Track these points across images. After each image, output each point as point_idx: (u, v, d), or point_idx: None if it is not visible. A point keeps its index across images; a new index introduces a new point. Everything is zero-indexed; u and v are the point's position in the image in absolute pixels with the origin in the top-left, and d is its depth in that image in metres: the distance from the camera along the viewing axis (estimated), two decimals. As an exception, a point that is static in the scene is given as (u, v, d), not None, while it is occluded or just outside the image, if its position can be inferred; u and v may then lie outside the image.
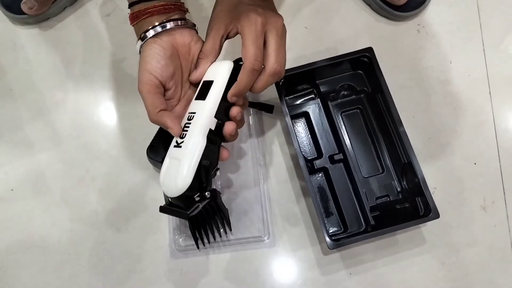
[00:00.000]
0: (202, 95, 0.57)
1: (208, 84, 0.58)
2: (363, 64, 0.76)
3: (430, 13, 0.85)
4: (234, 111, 0.59)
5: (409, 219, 0.68)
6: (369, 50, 0.74)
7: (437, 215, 0.67)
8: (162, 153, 0.72)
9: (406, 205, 0.72)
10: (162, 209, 0.60)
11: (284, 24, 0.58)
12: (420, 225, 0.74)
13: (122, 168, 0.78)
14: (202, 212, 0.70)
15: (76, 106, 0.81)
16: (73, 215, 0.76)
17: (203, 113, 0.57)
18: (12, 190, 0.78)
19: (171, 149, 0.57)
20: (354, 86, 0.78)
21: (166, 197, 0.60)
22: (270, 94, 0.78)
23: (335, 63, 0.74)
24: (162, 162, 0.73)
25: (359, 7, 0.86)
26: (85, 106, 0.82)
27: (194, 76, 0.60)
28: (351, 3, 0.86)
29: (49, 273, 0.74)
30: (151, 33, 0.57)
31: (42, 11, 0.83)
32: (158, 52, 0.57)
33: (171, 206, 0.59)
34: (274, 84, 0.72)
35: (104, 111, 0.82)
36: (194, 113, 0.57)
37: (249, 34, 0.55)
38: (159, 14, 0.57)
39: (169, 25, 0.57)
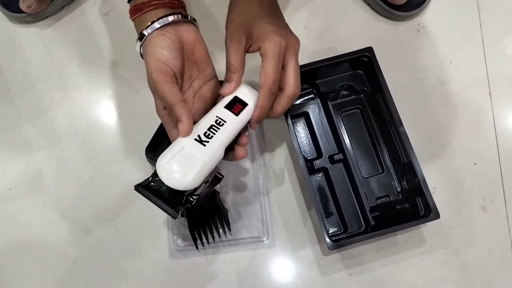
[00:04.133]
0: (233, 109, 0.56)
1: (240, 102, 0.57)
2: (363, 64, 0.75)
3: (430, 13, 0.85)
4: (246, 139, 0.58)
5: (409, 219, 0.68)
6: (369, 50, 0.74)
7: (437, 216, 0.67)
8: (160, 153, 0.72)
9: (406, 205, 0.72)
10: (140, 190, 0.54)
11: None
12: (420, 225, 0.73)
13: (120, 167, 0.77)
14: (201, 212, 0.70)
15: (74, 105, 0.81)
16: (70, 215, 0.76)
17: (234, 127, 0.56)
18: (9, 189, 0.77)
19: (192, 141, 0.52)
20: (354, 86, 0.78)
21: (154, 181, 0.54)
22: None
23: (335, 63, 0.74)
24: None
25: (359, 6, 0.86)
26: (83, 105, 0.81)
27: (229, 89, 0.57)
28: (351, 2, 0.86)
29: (47, 272, 0.73)
30: (156, 25, 0.54)
31: (40, 9, 0.82)
32: (169, 43, 0.54)
33: (152, 191, 0.53)
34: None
35: (102, 110, 0.81)
36: (225, 121, 0.55)
37: (272, 57, 0.54)
38: (164, 7, 0.55)
39: (174, 18, 0.54)
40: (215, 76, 0.59)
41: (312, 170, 0.74)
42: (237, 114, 0.56)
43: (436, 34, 0.84)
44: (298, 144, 0.71)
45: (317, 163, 0.74)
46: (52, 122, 0.80)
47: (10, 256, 0.74)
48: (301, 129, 0.78)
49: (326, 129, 0.77)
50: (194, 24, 0.57)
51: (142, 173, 0.76)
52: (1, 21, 0.85)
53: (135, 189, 0.53)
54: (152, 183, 0.53)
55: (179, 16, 0.54)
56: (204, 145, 0.52)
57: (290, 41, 0.57)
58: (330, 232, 0.72)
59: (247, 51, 0.58)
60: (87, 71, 0.83)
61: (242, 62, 0.57)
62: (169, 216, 0.57)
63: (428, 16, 0.85)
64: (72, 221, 0.75)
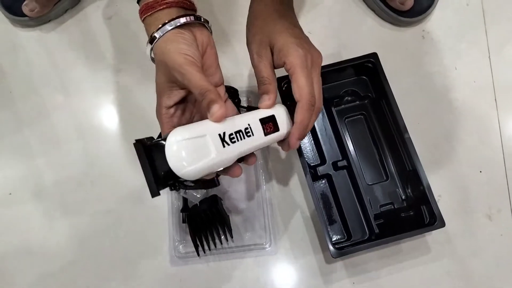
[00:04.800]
0: (265, 126, 0.53)
1: (274, 124, 0.54)
2: (367, 69, 0.75)
3: (435, 19, 0.84)
4: (254, 159, 0.55)
5: (414, 227, 0.67)
6: (374, 55, 0.73)
7: (442, 224, 0.66)
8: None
9: (411, 213, 0.71)
10: (138, 147, 0.48)
11: None
12: (425, 233, 0.72)
13: (122, 172, 0.77)
14: (202, 218, 0.69)
15: (76, 109, 0.81)
16: (71, 220, 0.75)
17: (257, 145, 0.52)
18: (10, 194, 0.77)
19: (215, 135, 0.48)
20: (358, 91, 0.77)
21: (157, 147, 0.48)
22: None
23: (339, 69, 0.74)
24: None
25: (363, 12, 0.85)
26: (85, 109, 0.81)
27: (270, 101, 0.55)
28: (355, 8, 0.85)
29: (47, 278, 0.73)
30: (168, 27, 0.50)
31: (43, 13, 0.82)
32: (190, 42, 0.51)
33: (149, 156, 0.48)
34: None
35: (104, 115, 0.81)
36: (253, 134, 0.51)
37: (302, 70, 0.53)
38: (177, 7, 0.52)
39: (187, 19, 0.51)
40: (222, 83, 0.56)
41: (315, 177, 0.74)
42: (266, 134, 0.53)
43: (440, 40, 0.83)
44: (302, 150, 0.70)
45: (321, 170, 0.74)
46: (53, 127, 0.80)
47: (10, 261, 0.73)
48: (304, 135, 0.77)
49: (330, 135, 0.76)
50: (207, 27, 0.55)
51: (142, 178, 0.75)
52: (4, 25, 0.85)
53: (134, 144, 0.48)
54: (153, 148, 0.48)
55: (192, 17, 0.52)
56: (224, 146, 0.48)
57: (313, 54, 0.55)
58: (333, 239, 0.71)
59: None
60: (90, 75, 0.82)
61: (274, 75, 0.56)
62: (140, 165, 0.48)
63: (433, 22, 0.84)
64: (72, 226, 0.75)
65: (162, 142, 0.47)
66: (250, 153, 0.54)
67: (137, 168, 0.75)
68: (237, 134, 0.50)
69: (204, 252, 0.70)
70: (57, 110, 0.80)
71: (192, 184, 0.53)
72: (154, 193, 0.47)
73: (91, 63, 0.83)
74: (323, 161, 0.75)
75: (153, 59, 0.53)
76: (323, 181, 0.75)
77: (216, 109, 0.47)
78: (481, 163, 0.77)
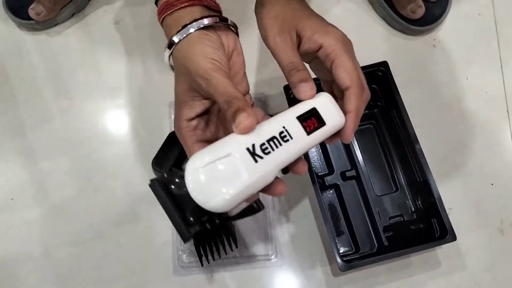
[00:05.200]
0: (306, 123, 0.43)
1: (318, 117, 0.44)
2: (377, 78, 0.74)
3: (447, 28, 0.83)
4: (303, 167, 0.46)
5: (424, 240, 0.65)
6: (384, 64, 0.72)
7: (453, 238, 0.64)
8: (167, 166, 0.70)
9: (421, 226, 0.69)
10: (155, 187, 0.42)
11: None
12: (435, 247, 0.70)
13: (126, 179, 0.75)
14: (207, 227, 0.68)
15: (81, 114, 0.79)
16: (73, 227, 0.73)
17: (300, 149, 0.43)
18: (12, 199, 0.75)
19: (243, 149, 0.40)
20: (367, 100, 0.76)
21: (176, 182, 0.42)
22: (280, 106, 0.76)
23: (348, 77, 0.72)
24: (167, 174, 0.71)
25: (374, 20, 0.84)
26: (90, 115, 0.79)
27: (311, 90, 0.45)
28: (365, 16, 0.84)
29: (47, 285, 0.71)
30: (194, 25, 0.45)
31: (49, 17, 0.81)
32: (218, 45, 0.45)
33: (169, 193, 0.42)
34: (284, 96, 0.70)
35: (109, 120, 0.79)
36: (291, 138, 0.42)
37: (345, 52, 0.46)
38: (201, 5, 0.47)
39: (211, 20, 0.46)
40: (248, 92, 0.50)
41: (323, 187, 0.72)
42: (308, 133, 0.43)
43: (452, 49, 0.82)
44: (309, 159, 0.68)
45: (329, 180, 0.72)
46: (57, 131, 0.78)
47: (9, 268, 0.72)
48: (312, 144, 0.76)
49: (338, 144, 0.75)
50: (233, 30, 0.49)
51: (147, 186, 0.74)
52: (10, 28, 0.84)
53: (150, 185, 0.42)
54: (173, 182, 0.42)
55: (217, 19, 0.46)
56: (256, 161, 0.40)
57: (349, 39, 0.49)
58: (341, 251, 0.69)
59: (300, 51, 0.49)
60: (95, 80, 0.81)
61: (302, 61, 0.47)
62: (177, 233, 0.43)
63: (444, 31, 0.83)
64: (74, 233, 0.73)
65: (181, 173, 0.40)
66: (297, 159, 0.44)
67: (142, 175, 0.75)
68: (271, 142, 0.41)
69: (208, 262, 0.69)
70: (61, 114, 0.79)
71: (232, 215, 0.45)
72: (186, 238, 0.41)
73: (96, 68, 0.82)
74: (331, 170, 0.73)
75: (172, 67, 0.48)
76: (331, 191, 0.73)
77: (243, 118, 0.40)
78: (493, 176, 0.75)
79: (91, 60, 0.83)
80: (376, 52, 0.81)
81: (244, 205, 0.43)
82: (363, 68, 0.71)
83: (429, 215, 0.68)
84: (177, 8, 0.46)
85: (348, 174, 0.72)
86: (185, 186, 0.39)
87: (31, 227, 0.74)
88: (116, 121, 0.79)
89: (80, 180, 0.76)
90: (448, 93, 0.79)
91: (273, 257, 0.70)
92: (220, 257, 0.70)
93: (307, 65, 0.48)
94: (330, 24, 0.49)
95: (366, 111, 0.75)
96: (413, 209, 0.71)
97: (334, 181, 0.72)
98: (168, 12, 0.47)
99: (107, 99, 0.80)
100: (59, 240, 0.73)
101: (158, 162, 0.70)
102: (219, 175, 0.39)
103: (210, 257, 0.68)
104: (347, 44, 0.47)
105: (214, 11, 0.49)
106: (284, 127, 0.42)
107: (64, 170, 0.76)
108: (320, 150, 0.75)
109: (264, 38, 0.49)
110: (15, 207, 0.75)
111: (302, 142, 0.43)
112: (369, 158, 0.74)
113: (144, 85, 0.80)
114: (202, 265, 0.69)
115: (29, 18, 0.81)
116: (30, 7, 0.80)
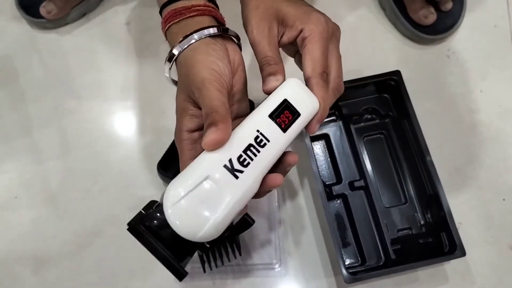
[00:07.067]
0: (279, 119, 0.41)
1: (290, 109, 0.41)
2: (389, 87, 0.72)
3: (461, 38, 0.82)
4: (294, 158, 0.43)
5: (433, 255, 0.64)
6: (397, 73, 0.71)
7: (463, 253, 0.62)
8: (173, 169, 0.69)
9: (430, 239, 0.68)
10: (135, 232, 0.39)
11: None
12: (444, 262, 0.69)
13: (131, 181, 0.75)
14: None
15: (88, 115, 0.79)
16: (76, 228, 0.73)
17: (279, 150, 0.40)
18: (16, 197, 0.75)
19: (220, 167, 0.37)
20: (378, 110, 0.74)
21: (155, 217, 0.39)
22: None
23: (359, 85, 0.71)
24: (172, 178, 0.70)
25: (386, 29, 0.83)
26: (97, 116, 0.79)
27: (277, 82, 0.43)
28: (377, 25, 0.83)
29: (47, 286, 0.70)
30: (200, 34, 0.43)
31: (60, 16, 0.81)
32: (222, 55, 0.43)
33: (152, 232, 0.38)
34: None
35: (117, 122, 0.79)
36: (268, 141, 0.39)
37: (319, 40, 0.44)
38: (210, 16, 0.46)
39: (220, 30, 0.44)
40: (248, 112, 0.46)
41: (330, 196, 0.71)
42: (284, 130, 0.40)
43: (466, 60, 0.80)
44: (317, 168, 0.67)
45: (336, 189, 0.71)
46: (64, 131, 0.78)
47: (10, 267, 0.71)
48: (320, 152, 0.74)
49: (347, 153, 0.73)
50: (238, 46, 0.48)
51: (152, 189, 0.73)
52: (21, 25, 0.84)
53: (128, 229, 0.39)
54: (155, 220, 0.38)
55: (225, 30, 0.45)
56: (237, 177, 0.37)
57: (333, 25, 0.47)
58: (346, 263, 0.68)
59: (280, 44, 0.47)
60: (103, 81, 0.81)
61: (280, 55, 0.45)
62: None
63: (459, 41, 0.81)
64: (77, 235, 0.72)
65: (159, 206, 0.38)
66: (286, 154, 0.42)
67: (147, 178, 0.74)
68: (248, 152, 0.38)
69: (211, 269, 0.67)
70: (69, 114, 0.79)
71: (224, 235, 0.41)
72: (182, 276, 0.39)
73: (106, 69, 0.82)
74: (339, 180, 0.72)
75: (172, 80, 0.47)
76: (338, 201, 0.72)
77: (210, 132, 0.37)
78: (505, 191, 0.73)
79: (100, 60, 0.82)
80: (387, 61, 0.80)
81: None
82: (375, 77, 0.71)
83: (438, 229, 0.66)
84: (185, 16, 0.45)
85: (356, 184, 0.70)
86: (162, 218, 0.37)
87: (34, 226, 0.73)
88: (123, 123, 0.79)
89: (85, 181, 0.75)
90: (461, 104, 0.78)
91: (277, 266, 0.69)
92: (223, 264, 0.68)
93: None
94: (315, 10, 0.46)
95: (377, 121, 0.74)
96: (422, 222, 0.69)
97: (342, 190, 0.71)
98: (175, 21, 0.45)
99: (115, 100, 0.80)
100: (61, 241, 0.72)
101: (164, 165, 0.70)
102: (200, 203, 0.36)
103: (213, 264, 0.67)
104: (327, 30, 0.45)
105: (220, 23, 0.47)
106: (258, 131, 0.39)
107: (69, 170, 0.76)
108: (329, 159, 0.74)
109: (245, 30, 0.47)
110: (19, 205, 0.74)
111: (280, 141, 0.40)
112: (379, 168, 0.72)
113: (153, 87, 0.80)
114: (204, 271, 0.67)
115: (41, 17, 0.80)
116: (42, 5, 0.79)
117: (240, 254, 0.68)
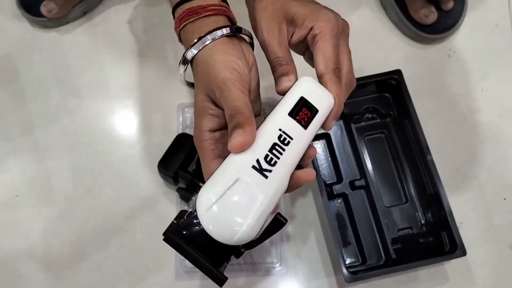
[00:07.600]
0: (298, 116, 0.41)
1: (308, 106, 0.42)
2: (390, 86, 0.72)
3: (462, 38, 0.81)
4: (313, 150, 0.44)
5: (433, 254, 0.64)
6: (398, 72, 0.71)
7: (463, 253, 0.62)
8: (173, 168, 0.69)
9: (430, 239, 0.68)
10: (172, 240, 0.38)
11: None
12: (444, 261, 0.69)
13: (132, 181, 0.75)
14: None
15: (89, 114, 0.79)
16: (77, 227, 0.73)
17: (303, 146, 0.41)
18: (17, 196, 0.75)
19: (249, 169, 0.38)
20: (379, 109, 0.74)
21: (190, 224, 0.38)
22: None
23: (360, 84, 0.70)
24: (173, 177, 0.70)
25: (387, 28, 0.83)
26: (98, 114, 0.79)
27: (290, 82, 0.44)
28: (378, 24, 0.83)
29: (48, 285, 0.70)
30: (224, 31, 0.43)
31: (61, 14, 0.81)
32: (236, 54, 0.43)
33: (189, 240, 0.38)
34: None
35: (118, 121, 0.79)
36: (291, 138, 0.40)
37: (331, 37, 0.44)
38: (225, 16, 0.45)
39: (233, 30, 0.44)
40: (260, 113, 0.47)
41: (331, 195, 0.71)
42: (305, 126, 0.41)
43: (467, 60, 0.80)
44: (318, 167, 0.67)
45: (337, 188, 0.71)
46: (65, 130, 0.78)
47: (11, 267, 0.71)
48: (321, 151, 0.74)
49: (348, 152, 0.73)
50: (251, 45, 0.48)
51: (153, 188, 0.73)
52: (22, 24, 0.84)
53: (165, 240, 0.38)
54: (189, 229, 0.38)
55: (239, 30, 0.45)
56: (266, 177, 0.38)
57: (343, 22, 0.47)
58: (347, 262, 0.68)
59: (290, 43, 0.47)
60: (104, 80, 0.81)
61: (290, 55, 0.46)
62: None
63: (460, 41, 0.81)
64: (78, 233, 0.72)
65: (195, 214, 0.38)
66: (302, 171, 0.43)
67: (148, 177, 0.74)
68: (274, 151, 0.39)
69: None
70: (70, 113, 0.79)
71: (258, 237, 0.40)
72: (221, 281, 0.39)
73: (107, 68, 0.81)
74: (339, 179, 0.72)
75: (187, 83, 0.46)
76: (339, 201, 0.72)
77: (237, 134, 0.37)
78: (506, 191, 0.73)
79: (101, 59, 0.82)
80: (389, 60, 0.80)
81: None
82: (376, 76, 0.71)
83: (439, 229, 0.66)
84: (201, 16, 0.44)
85: (357, 183, 0.70)
86: (196, 225, 0.37)
87: (35, 225, 0.73)
88: (124, 122, 0.79)
89: (85, 180, 0.75)
90: (462, 104, 0.78)
91: (277, 265, 0.69)
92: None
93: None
94: (323, 7, 0.47)
95: (378, 120, 0.74)
96: (422, 222, 0.69)
97: (343, 190, 0.71)
98: (191, 20, 0.44)
99: (115, 99, 0.80)
100: (61, 240, 0.72)
101: (165, 164, 0.70)
102: (234, 206, 0.37)
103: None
104: (338, 27, 0.45)
105: (232, 23, 0.47)
106: (280, 130, 0.40)
107: (70, 169, 0.76)
108: (329, 158, 0.74)
109: (254, 31, 0.47)
110: (20, 204, 0.74)
111: (303, 138, 0.41)
112: (379, 168, 0.72)
113: (153, 86, 0.80)
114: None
115: (41, 16, 0.80)
116: (42, 3, 0.79)
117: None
